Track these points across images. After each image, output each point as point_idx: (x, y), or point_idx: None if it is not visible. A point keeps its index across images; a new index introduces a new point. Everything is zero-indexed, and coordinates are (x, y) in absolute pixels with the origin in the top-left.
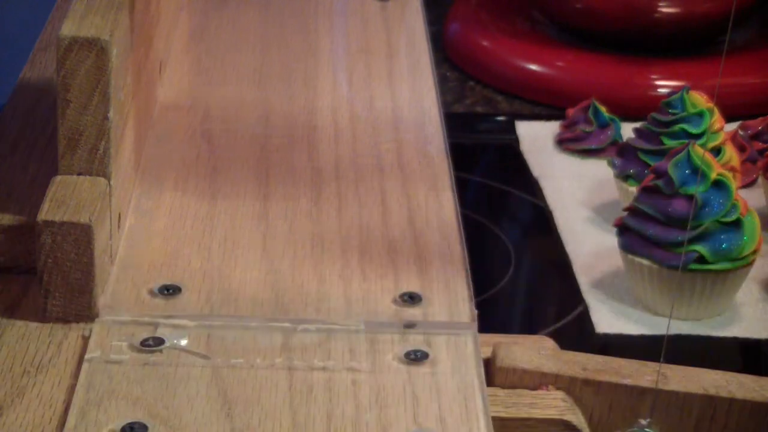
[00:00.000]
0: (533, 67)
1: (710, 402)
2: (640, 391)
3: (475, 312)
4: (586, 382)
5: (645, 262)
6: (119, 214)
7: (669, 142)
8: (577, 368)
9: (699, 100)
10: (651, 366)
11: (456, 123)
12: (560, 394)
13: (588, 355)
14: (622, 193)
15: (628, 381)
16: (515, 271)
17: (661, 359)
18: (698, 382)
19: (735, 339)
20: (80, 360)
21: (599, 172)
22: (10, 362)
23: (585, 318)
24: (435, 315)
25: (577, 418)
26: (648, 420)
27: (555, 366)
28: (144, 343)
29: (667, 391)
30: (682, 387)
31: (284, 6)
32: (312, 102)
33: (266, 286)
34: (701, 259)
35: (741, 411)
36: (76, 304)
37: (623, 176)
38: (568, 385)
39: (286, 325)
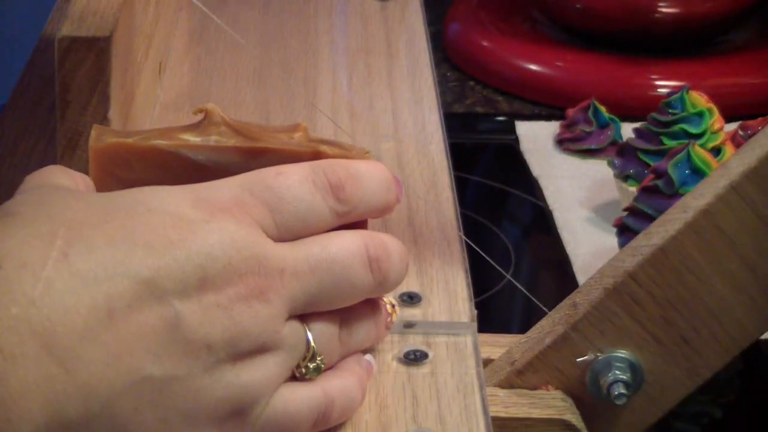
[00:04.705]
0: (533, 67)
1: None
2: None
3: (475, 312)
4: None
5: None
6: None
7: (669, 142)
8: None
9: (699, 100)
10: None
11: (456, 123)
12: (560, 394)
13: None
14: (622, 193)
15: None
16: (515, 271)
17: None
18: None
19: None
20: None
21: (599, 172)
22: None
23: None
24: (434, 315)
25: (576, 418)
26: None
27: None
28: None
29: None
30: None
31: (284, 6)
32: (312, 102)
33: None
34: None
35: None
36: None
37: (623, 176)
38: None
39: None
